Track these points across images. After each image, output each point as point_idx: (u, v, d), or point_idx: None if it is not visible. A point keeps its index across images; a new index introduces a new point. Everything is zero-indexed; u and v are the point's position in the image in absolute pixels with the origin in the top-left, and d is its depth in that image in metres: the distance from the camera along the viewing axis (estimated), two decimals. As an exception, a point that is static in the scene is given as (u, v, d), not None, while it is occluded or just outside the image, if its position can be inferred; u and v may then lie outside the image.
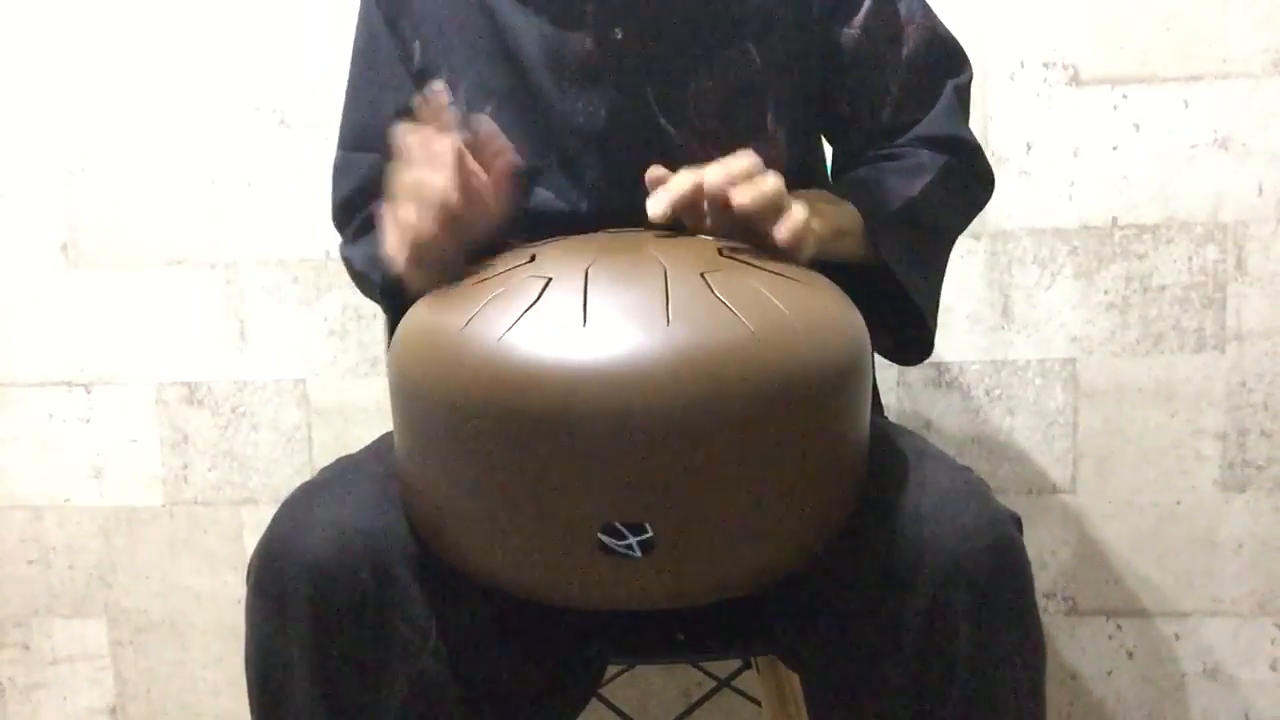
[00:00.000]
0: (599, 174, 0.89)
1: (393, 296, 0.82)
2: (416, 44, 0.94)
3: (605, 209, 0.87)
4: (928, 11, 0.96)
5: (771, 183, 0.73)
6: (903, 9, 0.95)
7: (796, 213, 0.72)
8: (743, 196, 0.72)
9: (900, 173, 0.91)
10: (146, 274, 1.42)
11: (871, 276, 0.86)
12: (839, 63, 0.95)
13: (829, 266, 0.76)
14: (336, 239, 1.00)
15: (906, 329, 0.92)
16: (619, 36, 0.89)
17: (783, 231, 0.72)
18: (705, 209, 0.75)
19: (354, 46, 0.99)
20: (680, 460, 0.61)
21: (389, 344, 0.85)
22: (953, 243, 0.97)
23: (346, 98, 0.99)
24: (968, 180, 0.96)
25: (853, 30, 0.93)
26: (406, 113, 0.93)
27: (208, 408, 1.44)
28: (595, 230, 0.81)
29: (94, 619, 1.49)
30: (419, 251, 0.73)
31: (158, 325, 1.43)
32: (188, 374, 1.43)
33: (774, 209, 0.72)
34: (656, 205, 0.73)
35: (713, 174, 0.73)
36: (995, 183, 0.99)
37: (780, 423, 0.62)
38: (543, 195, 0.90)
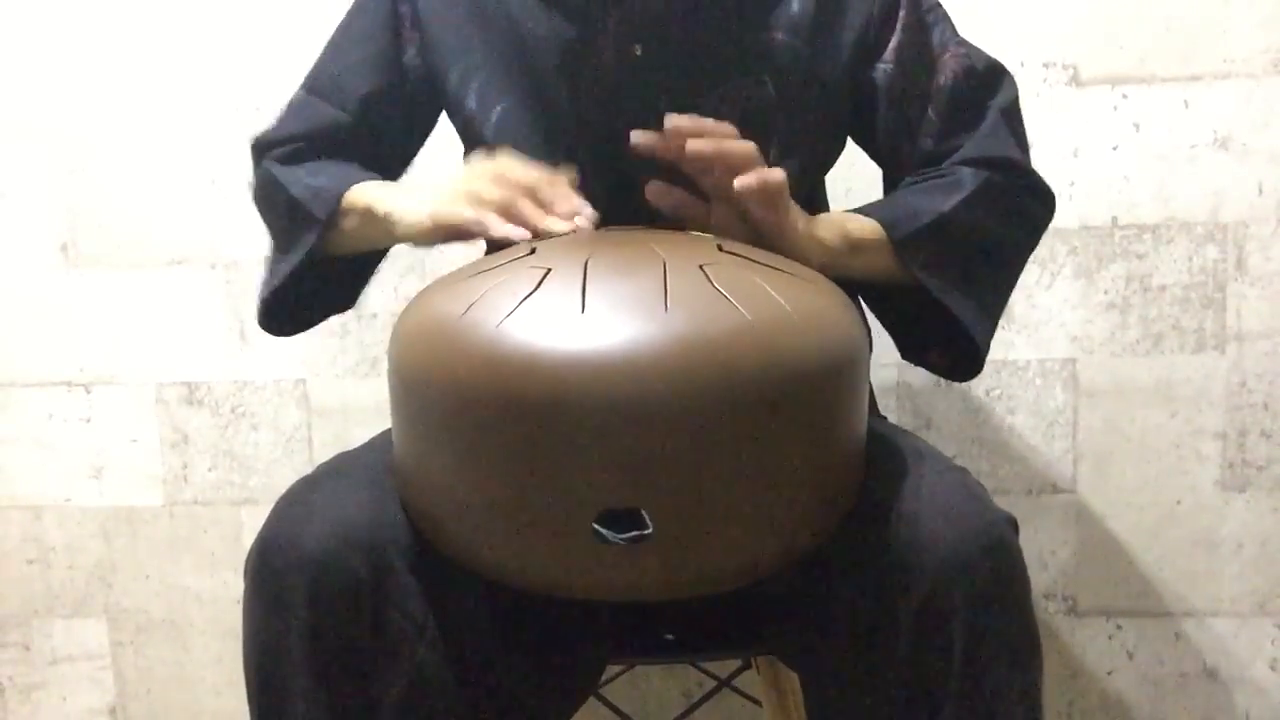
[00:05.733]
0: (606, 184, 0.89)
1: (317, 236, 0.88)
2: (416, 34, 0.95)
3: (612, 218, 0.88)
4: (960, 39, 0.95)
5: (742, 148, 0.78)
6: (935, 39, 0.93)
7: (770, 172, 0.77)
8: (699, 146, 0.77)
9: (930, 191, 0.89)
10: (146, 274, 1.42)
11: (918, 296, 0.86)
12: (874, 100, 0.94)
13: (877, 287, 0.77)
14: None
15: (957, 346, 0.90)
16: (638, 53, 0.89)
17: (747, 180, 0.77)
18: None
19: (352, 4, 1.00)
20: (677, 448, 0.61)
21: (269, 285, 0.93)
22: (1013, 262, 0.95)
23: (327, 45, 1.00)
24: (1015, 195, 0.92)
25: (885, 64, 0.93)
26: (378, 93, 0.96)
27: (208, 408, 1.44)
28: None
29: (94, 619, 1.49)
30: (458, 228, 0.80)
31: (158, 325, 1.43)
32: (188, 374, 1.43)
33: (743, 163, 0.78)
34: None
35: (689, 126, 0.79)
36: (1054, 198, 0.95)
37: (777, 412, 0.62)
38: None
